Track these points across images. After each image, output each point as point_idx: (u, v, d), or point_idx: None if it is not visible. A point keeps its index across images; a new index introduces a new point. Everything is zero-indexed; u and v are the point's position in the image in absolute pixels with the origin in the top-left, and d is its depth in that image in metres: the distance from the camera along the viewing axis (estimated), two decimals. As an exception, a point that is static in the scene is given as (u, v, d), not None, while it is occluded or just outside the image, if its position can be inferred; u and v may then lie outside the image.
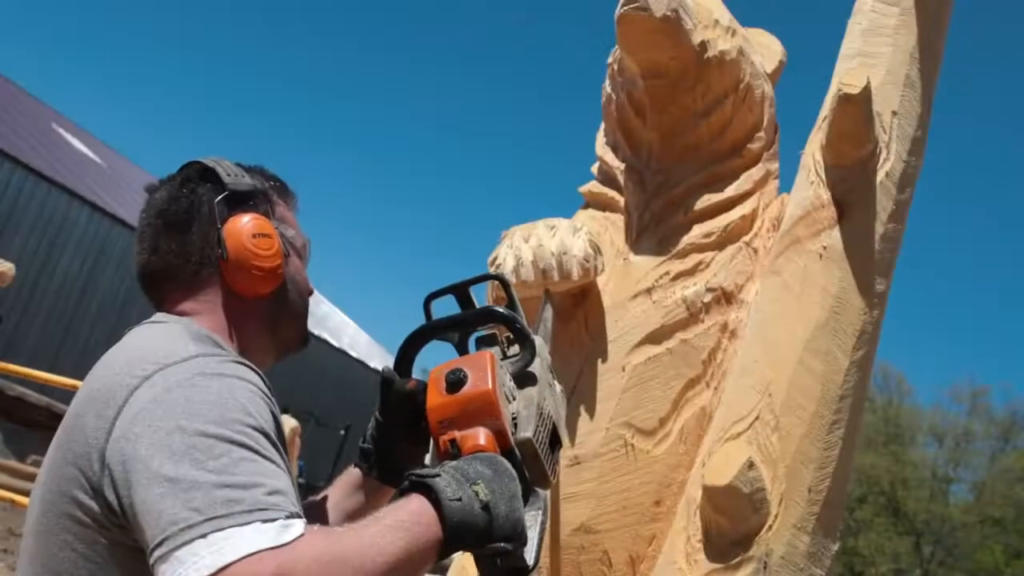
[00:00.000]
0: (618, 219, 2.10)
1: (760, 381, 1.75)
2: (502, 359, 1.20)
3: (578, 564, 1.81)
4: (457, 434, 1.06)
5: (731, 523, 1.65)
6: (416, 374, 1.29)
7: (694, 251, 1.95)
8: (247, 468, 0.94)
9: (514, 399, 1.14)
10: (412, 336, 1.28)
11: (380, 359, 23.25)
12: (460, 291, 1.31)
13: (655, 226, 2.01)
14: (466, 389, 1.07)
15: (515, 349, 1.24)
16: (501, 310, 1.24)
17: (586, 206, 2.22)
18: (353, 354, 20.96)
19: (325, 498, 1.39)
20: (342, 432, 17.07)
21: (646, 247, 1.99)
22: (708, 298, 1.91)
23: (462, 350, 1.28)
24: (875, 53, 1.91)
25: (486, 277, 1.39)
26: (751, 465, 1.63)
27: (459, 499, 0.96)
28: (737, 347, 1.89)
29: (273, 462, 0.98)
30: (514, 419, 1.11)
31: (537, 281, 1.81)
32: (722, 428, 1.76)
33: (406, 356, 1.29)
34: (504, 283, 1.34)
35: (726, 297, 1.93)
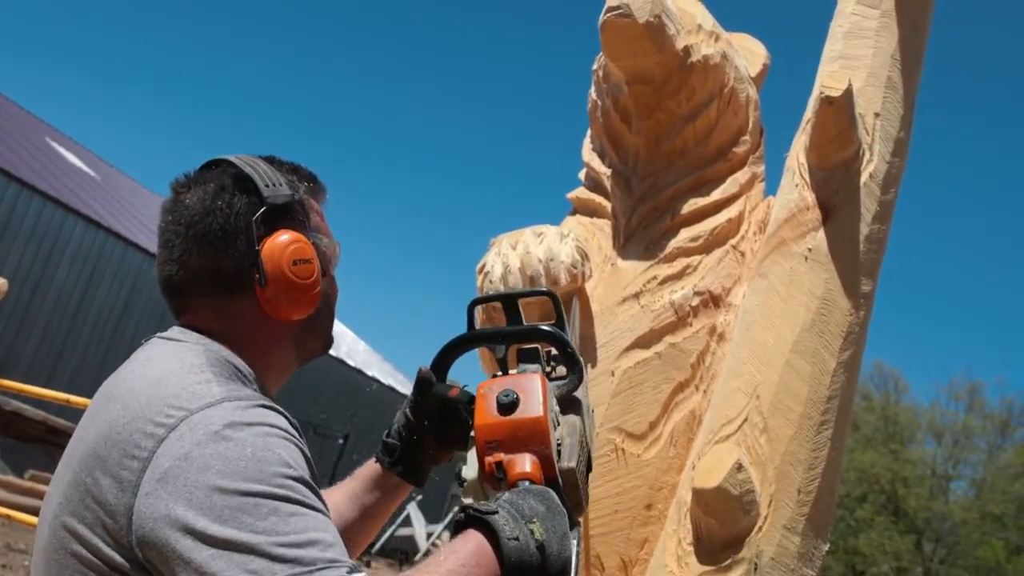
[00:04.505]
0: (605, 224, 2.11)
1: (748, 383, 1.76)
2: (548, 379, 1.18)
3: (571, 569, 1.82)
4: (504, 457, 1.06)
5: (721, 525, 1.66)
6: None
7: (681, 255, 1.96)
8: (298, 524, 0.92)
9: (559, 424, 1.14)
10: (455, 341, 1.28)
11: (378, 368, 23.16)
12: (509, 301, 1.30)
13: (642, 231, 2.02)
14: (518, 413, 1.07)
15: (560, 367, 1.25)
16: (552, 330, 1.23)
17: (574, 212, 2.23)
18: (351, 363, 20.87)
19: (343, 488, 1.39)
20: (340, 441, 17.03)
21: (633, 252, 2.00)
22: (696, 302, 1.92)
23: (502, 362, 1.26)
24: (857, 55, 1.93)
25: (538, 292, 1.41)
26: (740, 467, 1.64)
27: (516, 538, 0.96)
28: (725, 350, 1.90)
29: (320, 511, 0.97)
30: (558, 445, 1.11)
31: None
32: (711, 431, 1.77)
33: (445, 360, 1.28)
34: (555, 300, 1.32)
35: (714, 300, 1.94)
